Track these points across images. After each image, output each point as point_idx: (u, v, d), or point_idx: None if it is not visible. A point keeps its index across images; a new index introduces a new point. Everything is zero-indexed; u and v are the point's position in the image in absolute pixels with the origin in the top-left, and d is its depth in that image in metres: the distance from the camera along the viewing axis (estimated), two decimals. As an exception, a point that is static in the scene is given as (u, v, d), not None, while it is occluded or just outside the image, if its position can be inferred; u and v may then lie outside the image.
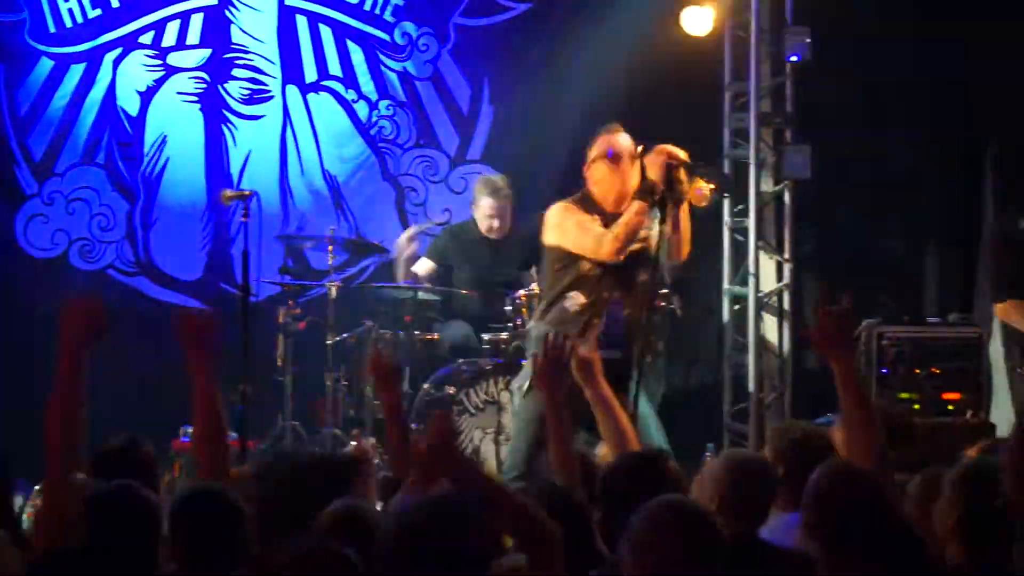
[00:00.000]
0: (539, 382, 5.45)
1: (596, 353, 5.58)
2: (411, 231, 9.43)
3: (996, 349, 9.14)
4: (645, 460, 4.75)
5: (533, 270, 9.20)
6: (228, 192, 6.58)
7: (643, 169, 6.85)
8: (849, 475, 4.16)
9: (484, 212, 9.30)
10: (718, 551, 3.65)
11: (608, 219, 6.78)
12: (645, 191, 6.62)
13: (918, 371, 9.07)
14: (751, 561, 4.31)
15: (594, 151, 6.88)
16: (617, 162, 6.79)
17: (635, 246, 6.78)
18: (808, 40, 10.03)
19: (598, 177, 6.86)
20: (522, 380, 7.06)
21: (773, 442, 5.23)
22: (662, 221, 6.66)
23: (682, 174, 6.63)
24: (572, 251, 6.78)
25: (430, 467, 3.83)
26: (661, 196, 6.58)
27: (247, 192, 6.61)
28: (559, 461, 5.03)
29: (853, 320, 4.31)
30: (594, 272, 6.77)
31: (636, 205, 6.62)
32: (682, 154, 6.67)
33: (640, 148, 6.86)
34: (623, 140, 6.87)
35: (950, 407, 9.00)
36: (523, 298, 8.76)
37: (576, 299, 6.78)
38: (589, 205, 6.85)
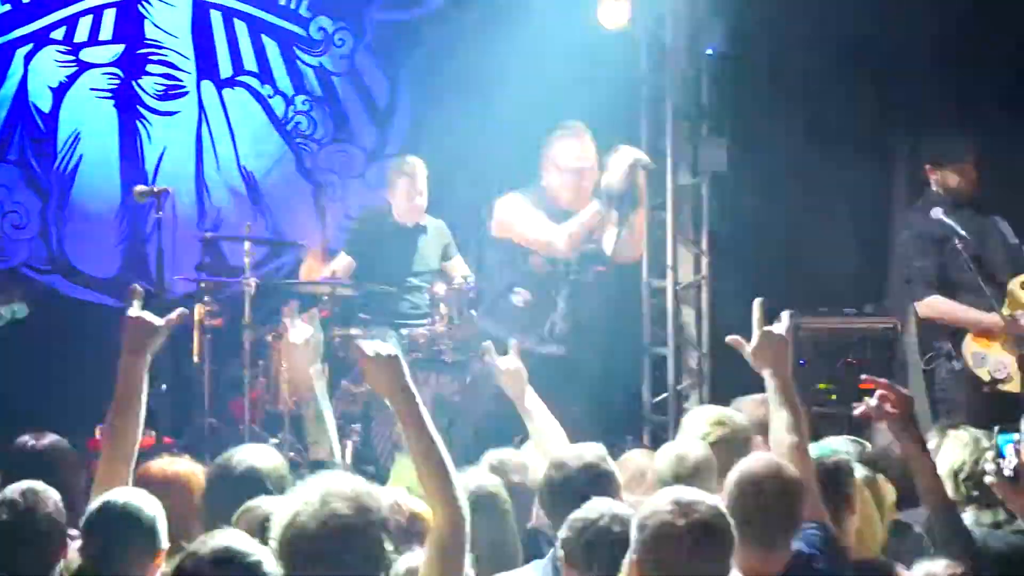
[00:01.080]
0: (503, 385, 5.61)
1: (518, 360, 5.65)
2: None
3: (911, 341, 9.24)
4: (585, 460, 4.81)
5: (453, 263, 9.24)
6: (141, 188, 6.52)
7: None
8: (766, 470, 4.28)
9: (401, 193, 9.20)
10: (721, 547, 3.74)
11: (559, 216, 6.71)
12: (606, 192, 6.55)
13: (835, 362, 9.20)
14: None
15: (555, 154, 6.77)
16: (574, 168, 6.72)
17: (587, 244, 6.73)
18: (723, 33, 10.08)
19: (556, 182, 6.77)
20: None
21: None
22: (621, 222, 6.62)
23: (643, 178, 6.61)
24: (523, 245, 6.69)
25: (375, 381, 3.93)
26: (619, 197, 6.53)
27: (161, 189, 6.53)
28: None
29: (791, 338, 4.32)
30: (539, 268, 6.69)
31: (595, 204, 6.55)
32: (646, 159, 6.65)
33: (595, 156, 6.80)
34: (583, 145, 6.76)
35: (866, 397, 9.00)
36: (441, 292, 8.69)
37: (522, 295, 6.70)
38: (541, 199, 6.76)
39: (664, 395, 10.22)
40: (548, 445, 5.44)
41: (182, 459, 5.18)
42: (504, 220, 6.76)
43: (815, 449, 4.88)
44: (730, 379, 9.89)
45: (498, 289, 6.74)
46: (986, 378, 7.47)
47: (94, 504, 4.25)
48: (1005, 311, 7.57)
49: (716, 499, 3.89)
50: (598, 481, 4.59)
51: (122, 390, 4.65)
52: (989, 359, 7.52)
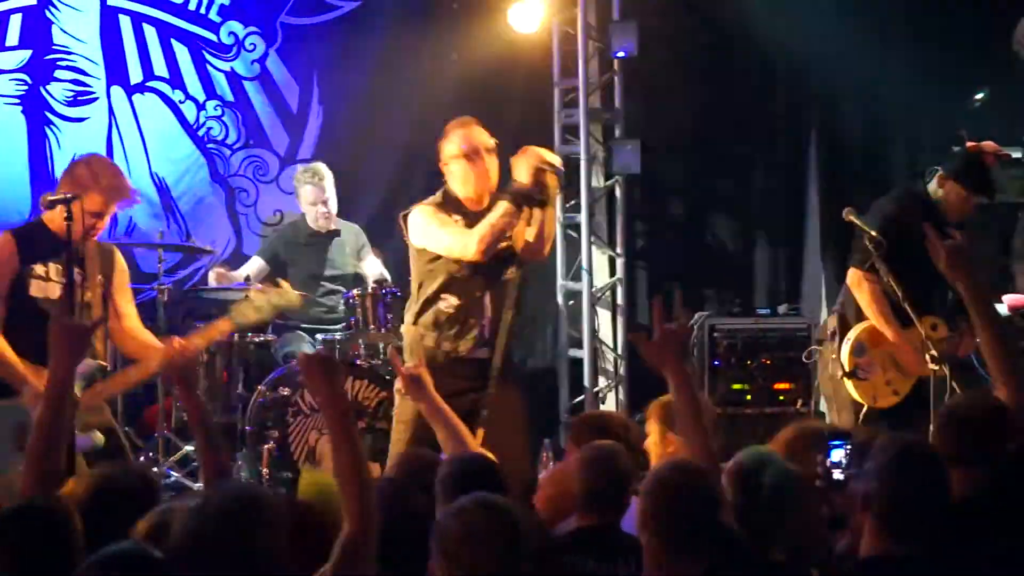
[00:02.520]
0: (408, 394, 5.72)
1: (422, 368, 5.68)
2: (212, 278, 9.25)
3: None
4: (473, 462, 4.83)
5: (367, 262, 9.27)
6: (49, 196, 6.43)
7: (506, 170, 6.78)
8: (682, 470, 4.24)
9: (307, 200, 9.23)
10: (524, 546, 3.72)
11: (471, 218, 6.67)
12: (513, 192, 6.52)
13: (750, 362, 9.27)
14: (612, 550, 4.54)
15: (449, 147, 6.75)
16: (474, 158, 6.69)
17: (501, 244, 6.70)
18: (634, 36, 10.11)
19: (457, 174, 6.74)
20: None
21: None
22: (528, 222, 6.61)
23: (550, 178, 6.59)
24: (439, 254, 6.67)
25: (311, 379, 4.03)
26: (528, 198, 6.51)
27: (70, 195, 6.50)
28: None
29: (688, 335, 4.34)
30: (463, 273, 6.66)
31: (503, 206, 6.50)
32: (554, 158, 6.62)
33: (495, 142, 6.79)
34: (478, 134, 6.76)
35: (781, 397, 9.26)
36: (356, 297, 8.69)
37: (448, 301, 6.69)
38: (451, 206, 6.72)
39: (581, 397, 10.24)
40: (454, 448, 5.45)
41: None
42: (419, 232, 6.73)
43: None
44: (647, 380, 9.99)
45: (427, 296, 6.69)
46: (848, 366, 7.44)
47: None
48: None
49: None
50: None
51: (54, 397, 4.61)
52: (866, 354, 7.50)
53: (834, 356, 7.58)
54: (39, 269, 6.61)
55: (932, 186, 7.56)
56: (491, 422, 6.50)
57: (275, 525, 3.68)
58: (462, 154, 6.68)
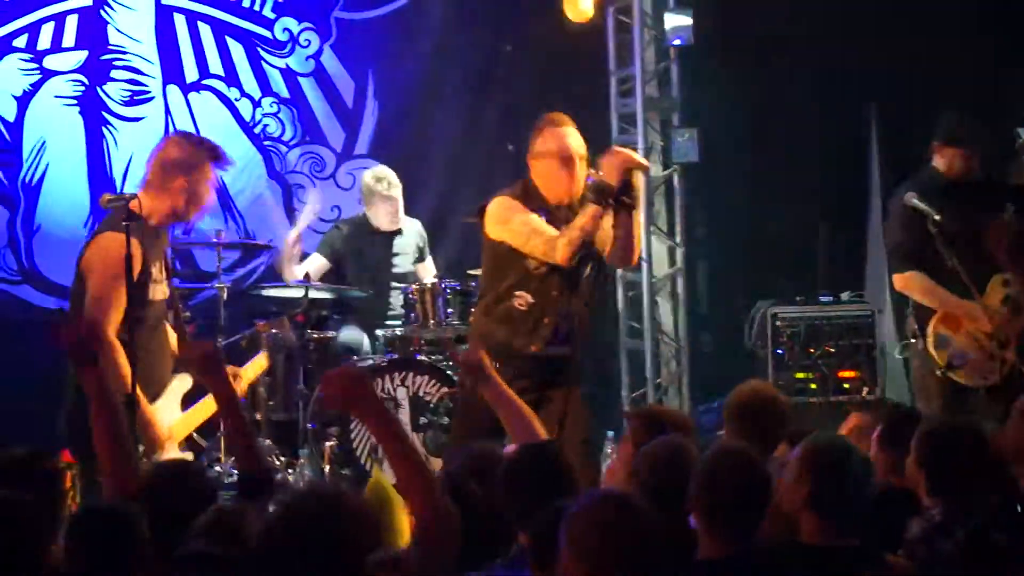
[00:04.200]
0: (468, 380, 5.62)
1: (482, 352, 5.58)
2: (294, 233, 9.25)
3: (888, 325, 9.23)
4: (539, 451, 4.77)
5: (425, 264, 9.33)
6: (108, 196, 6.41)
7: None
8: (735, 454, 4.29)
9: (380, 211, 9.21)
10: (657, 543, 3.71)
11: (553, 214, 6.60)
12: (600, 194, 6.43)
13: (812, 350, 9.20)
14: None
15: (542, 144, 6.65)
16: (567, 164, 6.61)
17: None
18: (690, 23, 10.09)
19: (545, 173, 6.64)
20: None
21: None
22: (614, 225, 6.53)
23: (638, 179, 6.53)
24: (519, 249, 6.60)
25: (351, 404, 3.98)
26: (616, 200, 6.43)
27: (129, 195, 6.51)
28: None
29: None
30: (540, 270, 6.59)
31: (591, 208, 6.40)
32: (641, 159, 6.56)
33: (586, 149, 6.71)
34: (574, 140, 6.67)
35: (846, 386, 9.19)
36: (416, 293, 8.68)
37: (523, 298, 6.61)
38: (532, 198, 6.64)
39: (643, 390, 10.21)
40: (517, 437, 5.40)
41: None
42: (499, 225, 6.64)
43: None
44: (709, 371, 9.98)
45: (500, 291, 6.63)
46: (942, 362, 7.39)
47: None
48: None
49: None
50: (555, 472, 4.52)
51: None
52: (952, 343, 7.44)
53: (922, 353, 7.52)
54: (154, 271, 6.43)
55: (936, 163, 7.56)
56: (562, 420, 6.43)
57: (361, 526, 3.61)
58: (555, 156, 6.59)
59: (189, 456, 6.57)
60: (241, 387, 6.71)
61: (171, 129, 10.07)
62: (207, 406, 6.38)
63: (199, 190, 6.43)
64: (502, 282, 6.60)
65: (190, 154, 6.45)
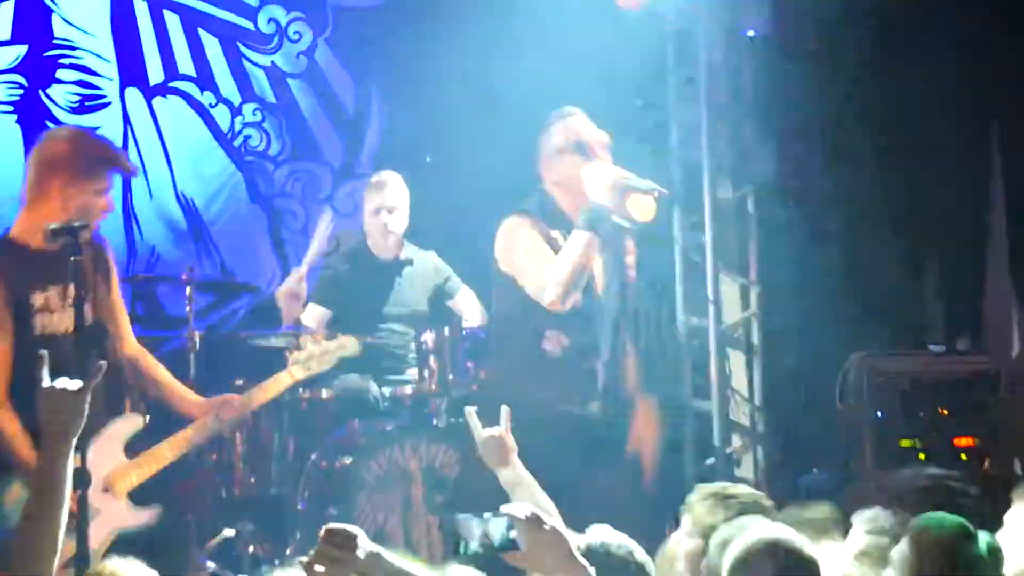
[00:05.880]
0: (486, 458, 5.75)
1: (506, 432, 5.66)
2: (300, 271, 9.22)
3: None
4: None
5: (457, 300, 9.37)
6: (55, 226, 6.34)
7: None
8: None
9: (380, 232, 9.17)
10: None
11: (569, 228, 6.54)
12: (592, 218, 6.34)
13: (921, 413, 9.18)
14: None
15: (555, 140, 6.59)
16: (587, 153, 6.53)
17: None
18: (769, 8, 10.09)
19: (565, 173, 6.58)
20: None
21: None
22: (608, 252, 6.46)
23: (636, 200, 6.44)
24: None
25: None
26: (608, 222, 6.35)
27: (78, 224, 6.45)
28: None
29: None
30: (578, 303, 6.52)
31: (582, 237, 6.32)
32: (637, 180, 6.46)
33: (608, 137, 6.65)
34: (587, 125, 6.60)
35: (963, 456, 9.09)
36: (430, 341, 8.62)
37: (557, 339, 6.50)
38: (550, 216, 6.57)
39: (711, 460, 10.17)
40: None
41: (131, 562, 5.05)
42: (505, 253, 6.56)
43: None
44: (791, 438, 9.88)
45: (521, 335, 6.49)
46: None
47: None
48: None
49: None
50: None
51: (42, 486, 4.51)
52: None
53: None
54: (40, 300, 6.43)
55: None
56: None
57: None
58: (568, 148, 6.51)
59: (144, 516, 6.64)
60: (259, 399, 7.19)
61: (131, 141, 10.18)
62: (159, 455, 6.68)
63: (85, 201, 6.34)
64: (524, 324, 6.49)
65: (73, 151, 6.36)
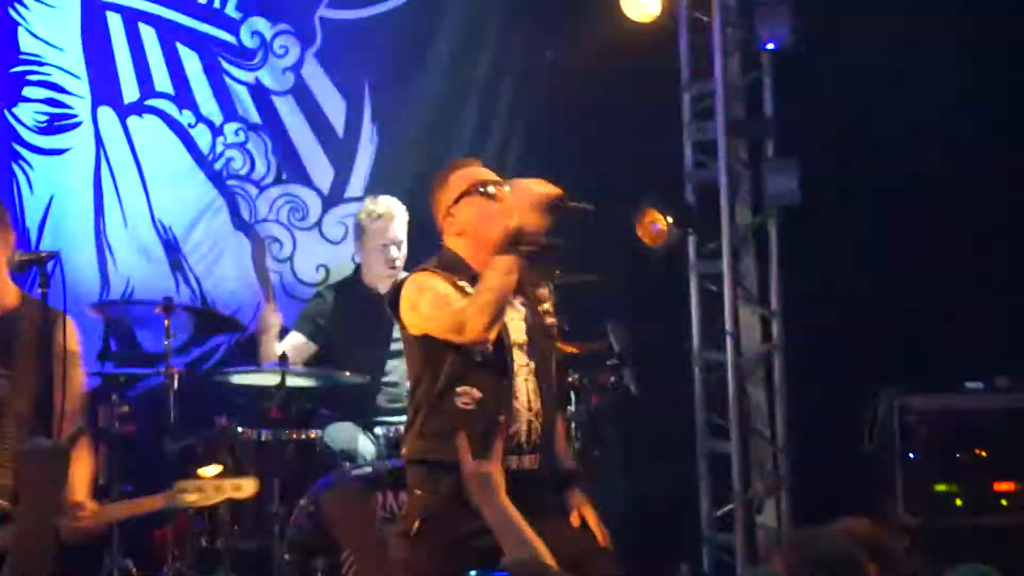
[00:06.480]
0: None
1: (496, 465, 5.55)
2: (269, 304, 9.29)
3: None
4: None
5: None
6: (20, 255, 6.28)
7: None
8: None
9: (377, 261, 9.13)
10: None
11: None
12: (518, 241, 6.25)
13: (958, 455, 9.18)
14: None
15: (448, 192, 6.56)
16: (490, 191, 6.47)
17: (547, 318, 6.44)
18: (788, 20, 10.04)
19: (470, 216, 6.51)
20: None
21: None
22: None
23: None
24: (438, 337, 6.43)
25: None
26: (544, 247, 6.26)
27: (47, 253, 6.26)
28: None
29: None
30: (485, 353, 6.40)
31: (503, 261, 6.24)
32: (557, 191, 6.38)
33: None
34: (488, 172, 6.58)
35: (1003, 502, 9.10)
36: None
37: (469, 394, 6.41)
38: (454, 267, 6.49)
39: (729, 507, 10.14)
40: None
41: None
42: (412, 311, 6.49)
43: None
44: (817, 482, 9.81)
45: (434, 395, 6.44)
46: None
47: None
48: None
49: None
50: None
51: None
52: None
53: None
54: None
55: None
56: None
57: None
58: (471, 189, 6.46)
59: None
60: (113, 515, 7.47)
61: (104, 164, 10.15)
62: None
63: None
64: (434, 383, 6.40)
65: None
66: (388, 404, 9.12)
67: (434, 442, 6.46)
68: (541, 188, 6.35)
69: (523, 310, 6.45)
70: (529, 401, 6.41)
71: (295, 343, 9.21)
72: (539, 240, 6.31)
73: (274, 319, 9.18)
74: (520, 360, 6.43)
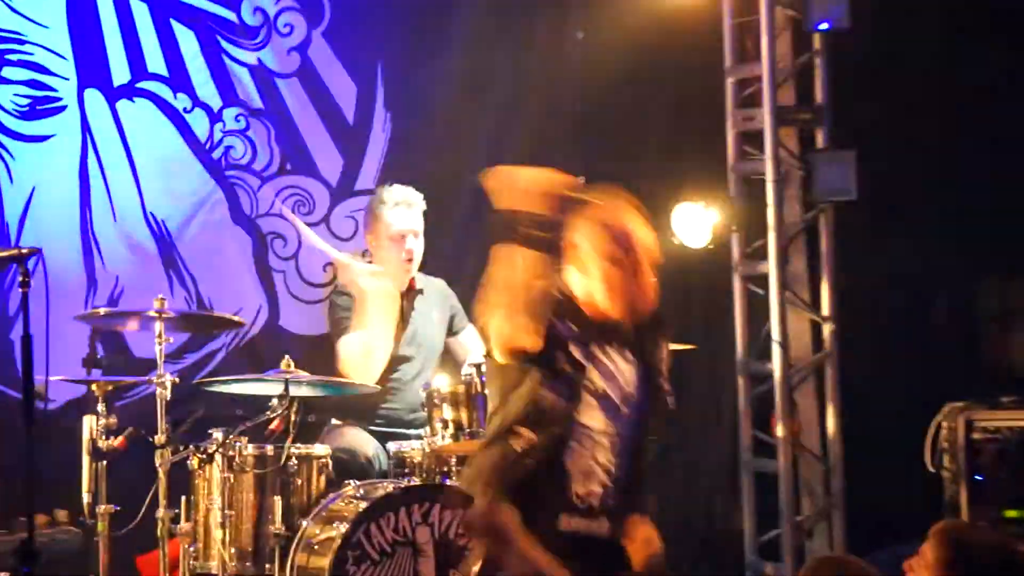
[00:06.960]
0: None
1: (508, 513, 5.59)
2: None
3: None
4: None
5: (461, 339, 9.29)
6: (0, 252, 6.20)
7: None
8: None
9: (391, 255, 8.97)
10: None
11: (592, 331, 6.17)
12: (528, 233, 6.00)
13: None
14: None
15: (583, 234, 6.31)
16: (627, 264, 6.19)
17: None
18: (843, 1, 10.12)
19: (594, 276, 6.26)
20: None
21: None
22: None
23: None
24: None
25: None
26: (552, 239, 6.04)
27: (29, 250, 6.27)
28: None
29: None
30: (550, 379, 6.12)
31: (498, 250, 6.01)
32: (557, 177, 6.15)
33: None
34: (636, 223, 6.33)
35: None
36: (437, 392, 8.38)
37: (524, 435, 6.11)
38: (563, 308, 6.25)
39: (776, 532, 10.12)
40: None
41: None
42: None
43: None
44: (872, 505, 9.60)
45: (500, 430, 6.33)
46: None
47: None
48: None
49: None
50: None
51: None
52: None
53: None
54: None
55: None
56: None
57: None
58: (605, 255, 6.14)
59: None
60: None
61: (91, 152, 10.05)
62: None
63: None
64: (506, 416, 6.17)
65: None
66: (400, 414, 9.04)
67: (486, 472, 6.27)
68: (549, 176, 6.14)
69: (630, 363, 6.17)
70: (610, 462, 6.14)
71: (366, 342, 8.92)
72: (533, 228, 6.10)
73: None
74: (606, 415, 6.17)
